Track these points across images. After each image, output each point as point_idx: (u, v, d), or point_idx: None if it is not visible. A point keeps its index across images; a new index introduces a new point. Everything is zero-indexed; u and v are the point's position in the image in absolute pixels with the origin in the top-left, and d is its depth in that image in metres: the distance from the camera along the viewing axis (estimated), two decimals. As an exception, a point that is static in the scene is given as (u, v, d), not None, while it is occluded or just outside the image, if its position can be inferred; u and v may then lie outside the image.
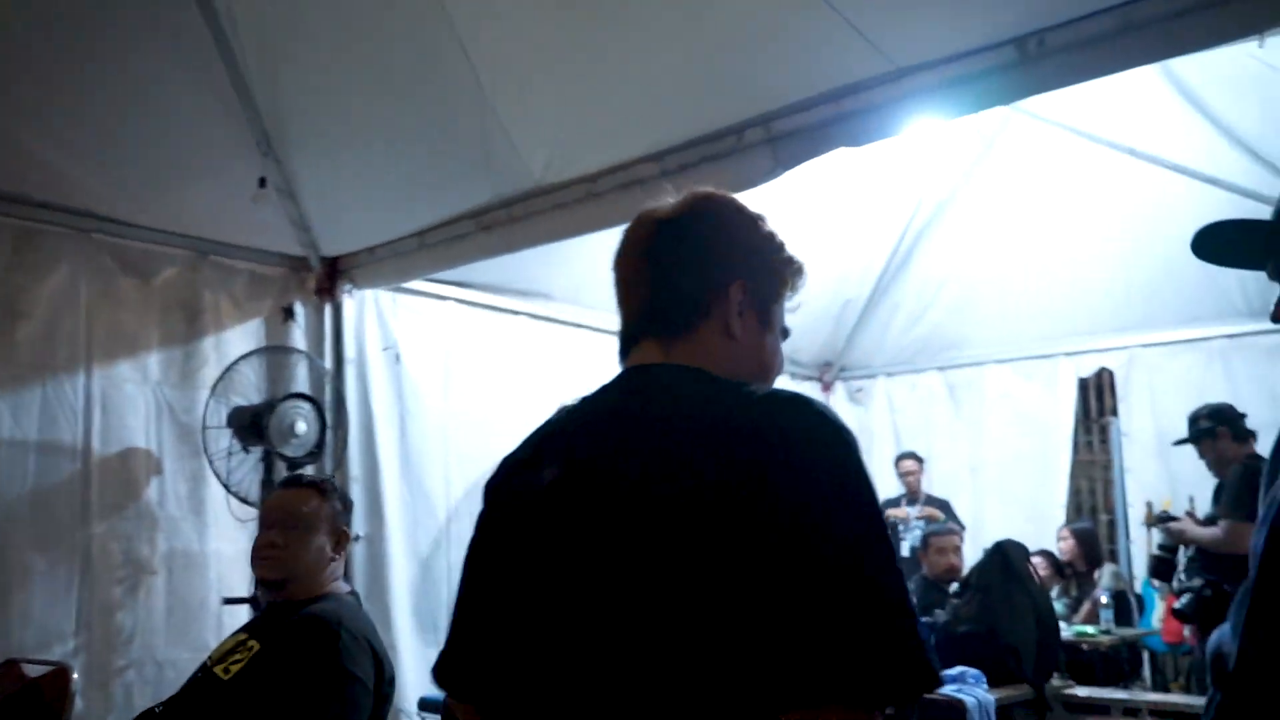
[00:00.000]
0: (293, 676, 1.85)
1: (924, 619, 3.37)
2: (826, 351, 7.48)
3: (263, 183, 3.94)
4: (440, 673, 1.17)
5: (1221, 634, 1.00)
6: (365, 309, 4.97)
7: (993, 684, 2.98)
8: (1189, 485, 6.03)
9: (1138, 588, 5.75)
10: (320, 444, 4.02)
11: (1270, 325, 4.53)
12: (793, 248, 1.26)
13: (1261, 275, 4.05)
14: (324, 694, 1.83)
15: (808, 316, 7.51)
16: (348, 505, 2.17)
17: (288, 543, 2.05)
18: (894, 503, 6.51)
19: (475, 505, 4.56)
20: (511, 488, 1.13)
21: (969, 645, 3.17)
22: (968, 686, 2.95)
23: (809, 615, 0.89)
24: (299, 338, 4.74)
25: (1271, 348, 5.91)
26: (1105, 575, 5.51)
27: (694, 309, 1.14)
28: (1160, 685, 5.61)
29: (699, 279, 1.16)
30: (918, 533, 6.31)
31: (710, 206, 1.20)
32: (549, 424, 1.17)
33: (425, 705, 4.28)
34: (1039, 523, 6.43)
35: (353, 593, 2.14)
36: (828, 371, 7.63)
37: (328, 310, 4.84)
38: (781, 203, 5.24)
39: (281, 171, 4.10)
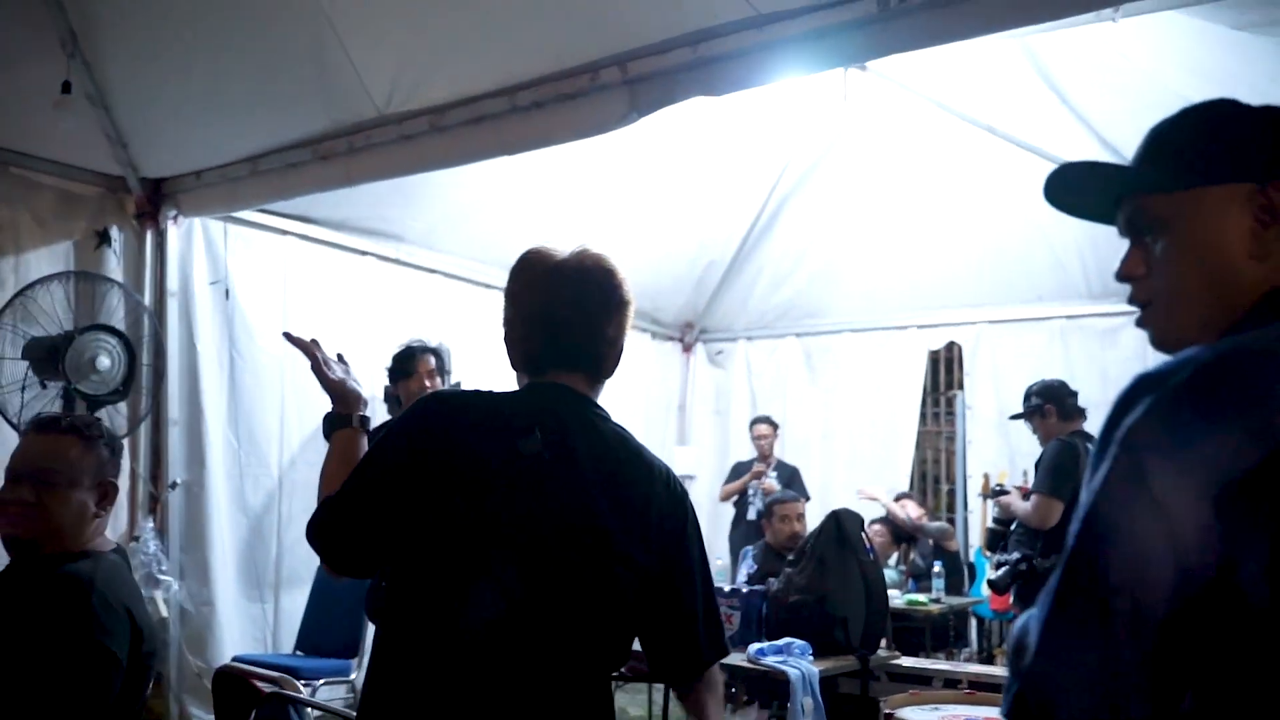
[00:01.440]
0: (34, 647, 1.60)
1: (758, 586, 3.32)
2: (688, 312, 7.42)
3: (67, 88, 3.53)
4: (339, 549, 1.39)
5: (1026, 620, 0.91)
6: (193, 239, 4.59)
7: (820, 654, 2.95)
8: (1025, 459, 6.24)
9: (971, 557, 5.94)
10: (128, 382, 3.67)
11: (1106, 308, 4.64)
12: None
13: (1103, 259, 4.13)
14: (67, 669, 1.58)
15: (670, 276, 7.39)
16: (116, 450, 1.88)
17: (42, 500, 1.75)
18: (746, 466, 6.52)
19: (314, 456, 4.22)
20: (481, 438, 1.36)
21: (799, 614, 3.11)
22: (793, 658, 2.89)
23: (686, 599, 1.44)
24: (115, 266, 4.33)
25: (1106, 330, 6.15)
26: (930, 527, 5.66)
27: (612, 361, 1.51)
28: (985, 651, 5.83)
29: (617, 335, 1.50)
30: (760, 501, 6.33)
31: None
32: (505, 400, 1.45)
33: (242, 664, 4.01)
34: (884, 485, 6.57)
35: (118, 550, 1.87)
36: (689, 332, 7.58)
37: (149, 237, 4.44)
38: (649, 159, 5.15)
39: (92, 77, 3.70)
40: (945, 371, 7.95)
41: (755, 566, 4.00)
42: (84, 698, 1.62)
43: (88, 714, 1.62)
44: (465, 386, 3.66)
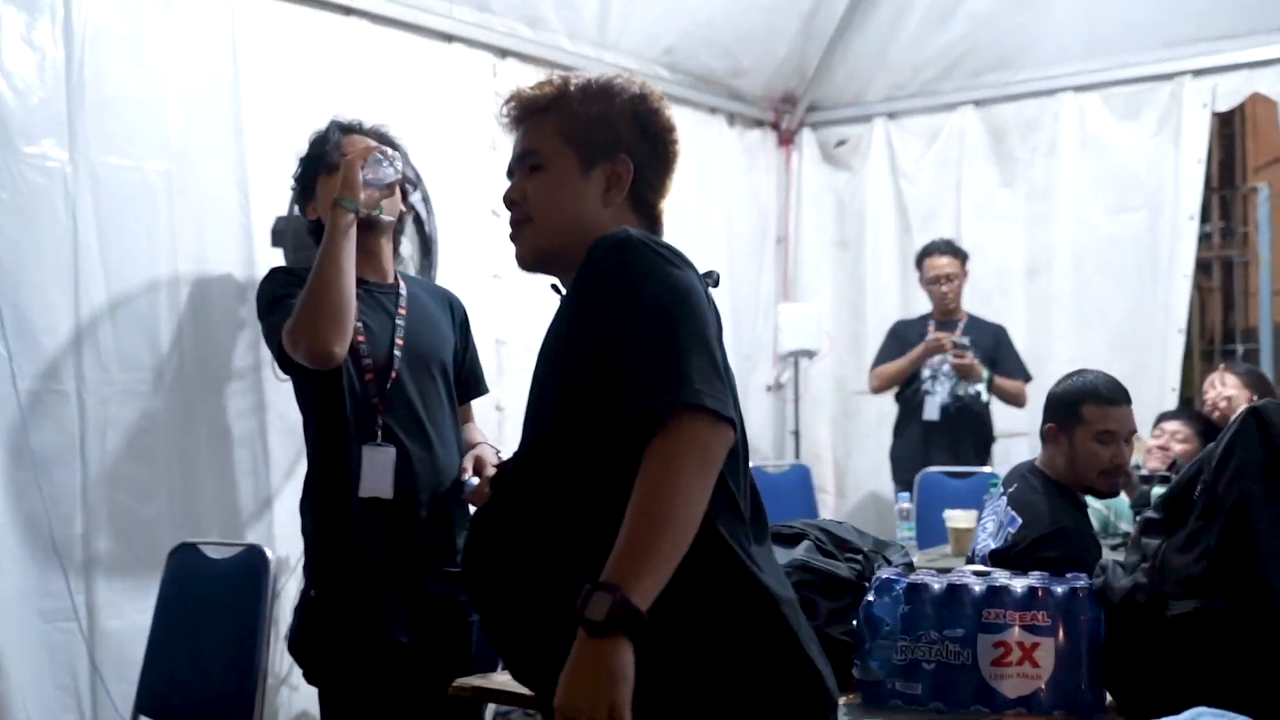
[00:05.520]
0: None
1: (1080, 583, 1.60)
2: (787, 76, 4.78)
3: None
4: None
5: None
6: None
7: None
8: None
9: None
10: None
11: None
12: None
13: None
14: None
15: (753, 17, 4.16)
16: None
17: None
18: (915, 328, 3.92)
19: (143, 357, 2.93)
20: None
21: (1194, 637, 1.41)
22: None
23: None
24: None
25: None
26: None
27: None
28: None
29: None
30: (947, 389, 3.80)
31: None
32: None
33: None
34: (1140, 355, 4.14)
35: None
36: (789, 112, 4.91)
37: None
38: None
39: None
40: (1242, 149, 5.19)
41: (1013, 528, 2.06)
42: None
43: None
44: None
